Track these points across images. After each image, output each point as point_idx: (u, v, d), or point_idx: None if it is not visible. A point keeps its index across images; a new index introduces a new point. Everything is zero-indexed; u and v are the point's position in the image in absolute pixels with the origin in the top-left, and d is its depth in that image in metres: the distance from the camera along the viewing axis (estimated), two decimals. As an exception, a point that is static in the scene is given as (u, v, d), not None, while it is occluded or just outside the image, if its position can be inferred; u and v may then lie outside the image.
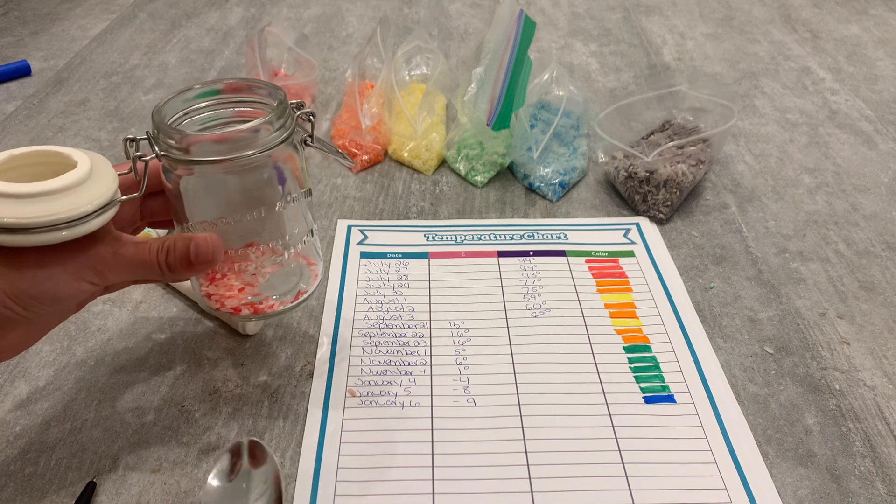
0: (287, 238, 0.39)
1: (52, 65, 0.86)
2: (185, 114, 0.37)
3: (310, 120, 0.39)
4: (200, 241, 0.35)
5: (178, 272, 0.35)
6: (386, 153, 0.68)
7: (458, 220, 0.60)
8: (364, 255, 0.55)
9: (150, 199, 0.40)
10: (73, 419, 0.43)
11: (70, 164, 0.33)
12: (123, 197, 0.34)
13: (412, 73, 0.77)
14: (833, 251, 0.56)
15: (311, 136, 0.39)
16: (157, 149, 0.35)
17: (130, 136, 0.35)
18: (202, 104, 0.38)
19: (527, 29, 0.67)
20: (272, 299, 0.40)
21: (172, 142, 0.35)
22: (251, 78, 0.40)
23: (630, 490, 0.38)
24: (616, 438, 0.41)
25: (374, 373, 0.45)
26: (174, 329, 0.49)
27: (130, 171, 0.35)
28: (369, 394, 0.44)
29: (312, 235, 0.41)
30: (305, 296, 0.42)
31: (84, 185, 0.32)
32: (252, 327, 0.48)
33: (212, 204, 0.37)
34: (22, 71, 0.83)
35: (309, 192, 0.40)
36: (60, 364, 0.46)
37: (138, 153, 0.35)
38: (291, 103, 0.38)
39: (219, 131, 0.37)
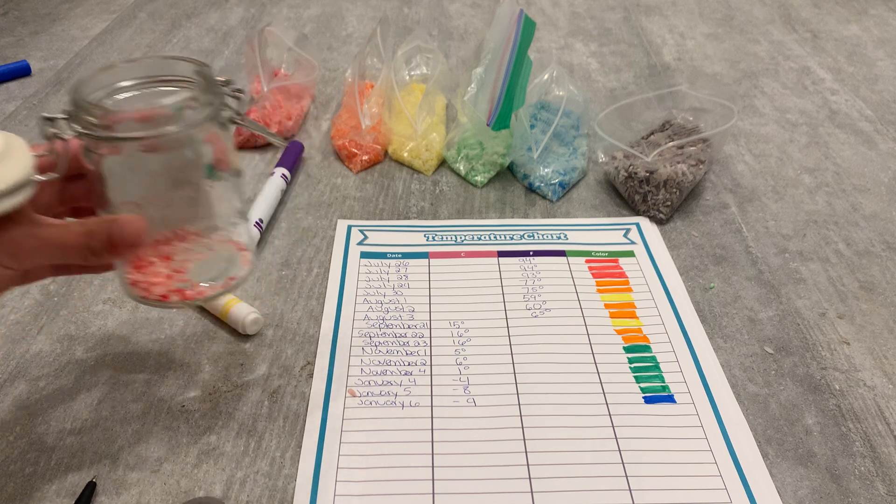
0: (216, 220, 0.38)
1: (52, 65, 0.86)
2: (107, 94, 0.35)
3: (236, 97, 0.37)
4: (123, 221, 0.34)
5: (101, 255, 0.34)
6: (386, 153, 0.68)
7: (458, 220, 0.60)
8: (364, 255, 0.55)
9: (71, 182, 0.37)
10: (73, 419, 0.43)
11: None
12: (41, 176, 0.32)
13: (412, 73, 0.77)
14: (833, 251, 0.56)
15: (238, 113, 0.37)
16: (77, 126, 0.32)
17: (47, 115, 0.32)
18: (125, 83, 0.36)
19: (527, 29, 0.67)
20: (201, 285, 0.38)
21: (94, 119, 0.32)
22: (175, 54, 0.38)
23: (630, 490, 0.38)
24: (616, 438, 0.41)
25: (374, 373, 0.45)
26: (174, 329, 0.49)
27: (50, 152, 0.33)
28: (369, 394, 0.44)
29: (242, 218, 0.40)
30: (236, 282, 0.40)
31: None
32: (252, 327, 0.48)
33: (135, 185, 0.36)
34: (22, 71, 0.83)
35: (238, 173, 0.38)
36: (60, 364, 0.46)
37: (55, 131, 0.33)
38: (218, 79, 0.36)
39: (142, 107, 0.35)
